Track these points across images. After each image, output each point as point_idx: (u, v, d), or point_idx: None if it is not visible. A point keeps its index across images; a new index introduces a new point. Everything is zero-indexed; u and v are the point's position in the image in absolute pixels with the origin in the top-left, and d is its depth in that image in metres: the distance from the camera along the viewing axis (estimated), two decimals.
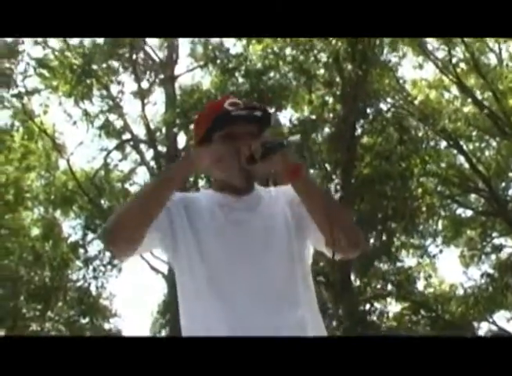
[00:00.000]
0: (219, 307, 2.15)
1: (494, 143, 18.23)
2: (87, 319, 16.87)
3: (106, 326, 17.51)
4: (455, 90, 16.98)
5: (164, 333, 17.19)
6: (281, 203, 2.32)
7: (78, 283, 16.92)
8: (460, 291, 17.91)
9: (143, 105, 16.20)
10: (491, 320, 17.98)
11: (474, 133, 17.66)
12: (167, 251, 2.27)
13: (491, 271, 17.99)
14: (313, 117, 14.89)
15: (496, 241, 18.65)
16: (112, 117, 16.09)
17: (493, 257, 18.71)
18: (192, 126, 14.81)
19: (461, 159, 17.67)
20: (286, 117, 15.60)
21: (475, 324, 17.69)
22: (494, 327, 17.94)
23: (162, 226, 2.19)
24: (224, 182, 2.29)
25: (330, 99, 15.12)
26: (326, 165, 14.74)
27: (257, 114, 2.24)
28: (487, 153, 18.24)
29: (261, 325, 2.11)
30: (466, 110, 17.20)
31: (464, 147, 17.26)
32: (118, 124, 16.13)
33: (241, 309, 2.14)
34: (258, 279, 2.18)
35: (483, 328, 17.82)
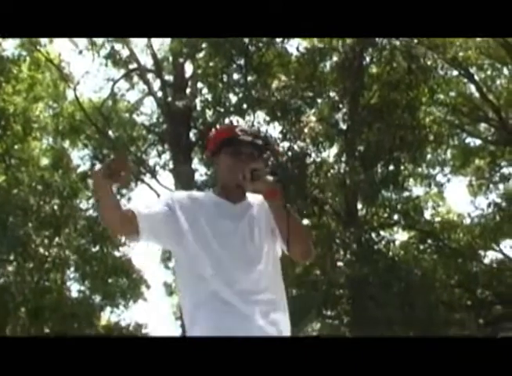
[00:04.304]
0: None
1: (506, 72, 17.95)
2: (97, 248, 17.13)
3: (116, 253, 17.78)
4: None
5: (173, 260, 17.46)
6: (264, 210, 2.90)
7: (88, 213, 17.16)
8: (467, 220, 17.99)
9: None
10: (497, 249, 18.12)
11: (486, 62, 17.36)
12: (172, 243, 2.86)
13: (498, 200, 18.02)
14: (321, 45, 14.69)
15: (505, 170, 18.59)
16: (118, 46, 15.95)
17: (501, 186, 18.72)
18: (198, 55, 14.74)
19: (472, 88, 17.49)
20: (294, 45, 15.37)
21: (481, 253, 17.82)
22: (500, 256, 18.11)
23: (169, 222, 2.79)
24: (223, 190, 2.93)
25: None
26: (334, 94, 14.62)
27: (257, 142, 2.90)
28: (498, 81, 17.98)
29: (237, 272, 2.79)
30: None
31: (475, 76, 17.04)
32: (124, 53, 16.02)
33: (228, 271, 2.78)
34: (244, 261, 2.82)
35: (489, 256, 17.99)
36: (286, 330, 2.82)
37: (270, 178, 2.76)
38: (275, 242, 2.92)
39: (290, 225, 2.76)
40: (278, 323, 2.79)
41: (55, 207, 16.82)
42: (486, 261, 17.81)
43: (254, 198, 2.96)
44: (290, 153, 13.77)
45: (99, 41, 15.82)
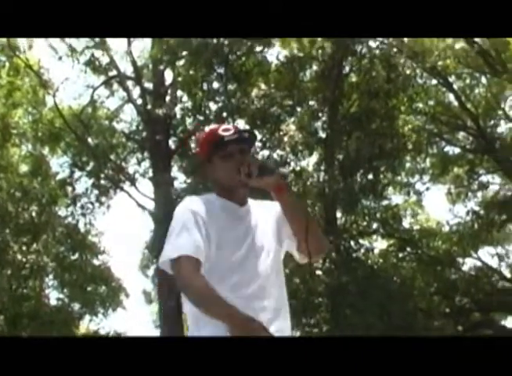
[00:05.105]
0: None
1: (484, 81, 18.10)
2: (76, 256, 17.05)
3: (95, 261, 17.71)
4: None
5: (152, 268, 17.39)
6: (268, 215, 2.90)
7: (66, 220, 17.06)
8: (446, 228, 18.07)
9: (129, 41, 15.97)
10: (475, 256, 18.23)
11: (465, 71, 17.49)
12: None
13: (477, 208, 18.15)
14: (301, 54, 14.74)
15: (483, 178, 18.73)
16: (98, 53, 15.90)
17: (479, 194, 18.85)
18: (178, 63, 14.73)
19: (450, 97, 17.61)
20: (274, 54, 15.42)
21: (460, 260, 17.91)
22: (478, 263, 18.22)
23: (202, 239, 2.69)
24: (227, 192, 2.84)
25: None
26: (313, 103, 14.66)
27: (244, 136, 2.84)
28: (476, 90, 18.12)
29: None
30: (457, 47, 17.00)
31: (454, 85, 17.16)
32: (104, 60, 15.97)
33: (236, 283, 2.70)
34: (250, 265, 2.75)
35: (467, 264, 18.09)
36: None
37: (285, 170, 2.72)
38: (281, 246, 2.90)
39: (306, 220, 2.74)
40: (283, 331, 2.73)
41: (34, 213, 16.73)
42: (465, 268, 17.92)
43: (256, 202, 2.92)
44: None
45: (78, 47, 15.79)
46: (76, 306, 17.73)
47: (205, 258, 2.66)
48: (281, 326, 2.74)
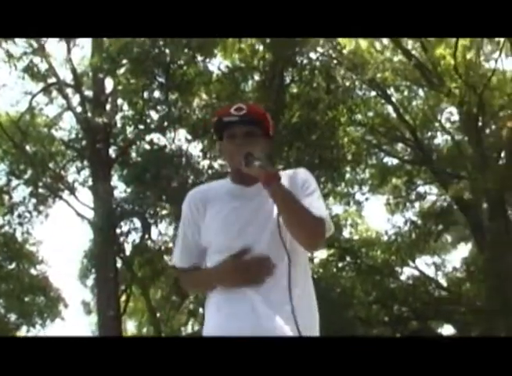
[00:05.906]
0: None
1: (421, 93, 18.52)
2: (13, 265, 16.73)
3: (33, 271, 17.42)
4: (385, 40, 17.02)
5: (91, 278, 17.16)
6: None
7: (3, 229, 16.71)
8: (385, 238, 18.34)
9: (69, 48, 15.79)
10: (413, 266, 18.55)
11: (403, 83, 17.86)
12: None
13: (414, 218, 18.52)
14: (242, 65, 14.80)
15: (421, 189, 19.15)
16: (36, 59, 15.63)
17: (417, 204, 19.23)
18: (119, 71, 14.62)
19: (389, 109, 17.94)
20: (215, 64, 15.44)
21: (398, 270, 18.20)
22: (416, 272, 18.54)
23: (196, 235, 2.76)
24: (235, 175, 2.76)
25: (260, 47, 15.03)
26: None
27: (245, 119, 2.66)
28: (414, 103, 18.52)
29: None
30: (395, 59, 17.35)
31: (392, 97, 17.50)
32: (43, 67, 15.70)
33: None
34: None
35: (405, 273, 18.39)
36: (291, 317, 2.55)
37: (263, 163, 2.55)
38: None
39: (290, 213, 2.56)
40: (278, 306, 2.55)
41: None
42: (403, 277, 18.23)
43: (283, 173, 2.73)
44: (210, 172, 13.81)
45: (16, 53, 15.47)
46: (12, 317, 17.40)
47: (206, 244, 2.71)
48: (279, 299, 2.56)
